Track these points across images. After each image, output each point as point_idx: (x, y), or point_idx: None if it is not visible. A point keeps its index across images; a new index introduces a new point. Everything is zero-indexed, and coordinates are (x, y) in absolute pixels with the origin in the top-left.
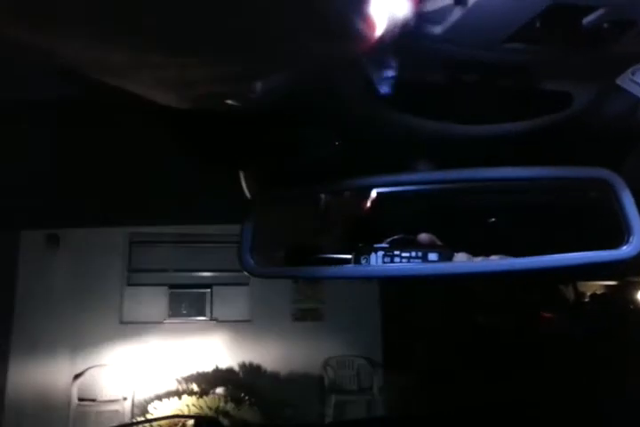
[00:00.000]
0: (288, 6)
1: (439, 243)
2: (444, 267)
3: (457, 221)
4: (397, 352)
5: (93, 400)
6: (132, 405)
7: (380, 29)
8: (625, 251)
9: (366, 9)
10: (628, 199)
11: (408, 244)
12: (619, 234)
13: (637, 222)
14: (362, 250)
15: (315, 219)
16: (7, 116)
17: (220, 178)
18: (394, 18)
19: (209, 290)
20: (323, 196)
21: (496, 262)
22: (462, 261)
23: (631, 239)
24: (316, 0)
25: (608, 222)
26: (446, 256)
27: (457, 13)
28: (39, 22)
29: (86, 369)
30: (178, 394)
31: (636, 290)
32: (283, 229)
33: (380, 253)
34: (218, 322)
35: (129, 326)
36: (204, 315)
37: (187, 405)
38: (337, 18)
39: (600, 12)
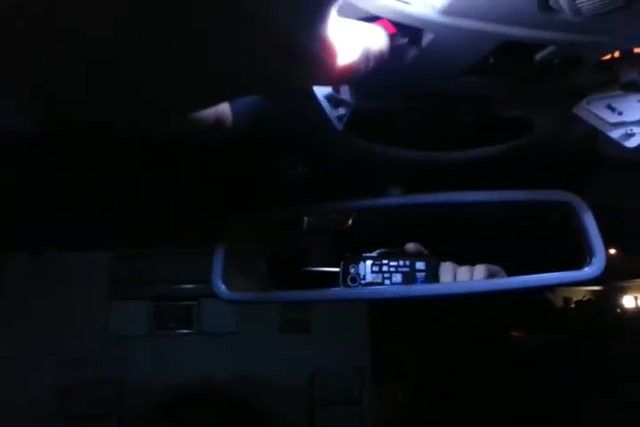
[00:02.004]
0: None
1: (426, 252)
2: (427, 288)
3: (442, 232)
4: (386, 363)
5: (79, 416)
6: (120, 421)
7: (344, 58)
8: (588, 272)
9: (324, 33)
10: (590, 221)
11: (396, 253)
12: (582, 255)
13: (599, 244)
14: (350, 259)
15: (296, 236)
16: None
17: (199, 201)
18: (365, 47)
19: (196, 302)
20: (301, 216)
21: (469, 284)
22: (443, 283)
23: (594, 261)
24: (264, 21)
25: (572, 244)
26: (433, 265)
27: (413, 52)
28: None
29: (72, 384)
30: (165, 408)
31: (622, 295)
32: (262, 248)
33: (369, 263)
34: (205, 334)
35: (115, 340)
36: (192, 327)
37: (174, 420)
38: (290, 42)
39: (549, 49)
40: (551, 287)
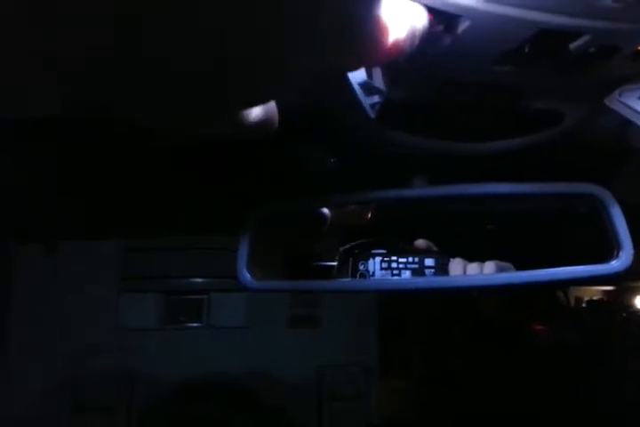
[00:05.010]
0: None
1: (435, 249)
2: (441, 281)
3: (453, 227)
4: (394, 359)
5: (87, 408)
6: (130, 413)
7: (394, 35)
8: (614, 266)
9: (377, 11)
10: (617, 214)
11: (405, 250)
12: (608, 249)
13: (626, 237)
14: (359, 256)
15: (315, 229)
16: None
17: (218, 193)
18: (411, 25)
19: (206, 296)
20: (322, 208)
21: (487, 277)
22: (457, 275)
23: (620, 254)
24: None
25: (598, 237)
26: (442, 262)
27: (447, 39)
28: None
29: (81, 377)
30: (174, 402)
31: (634, 295)
32: (280, 241)
33: (378, 259)
34: (215, 328)
35: (125, 333)
36: (201, 321)
37: (182, 414)
38: (347, 20)
39: (585, 38)
40: (577, 282)
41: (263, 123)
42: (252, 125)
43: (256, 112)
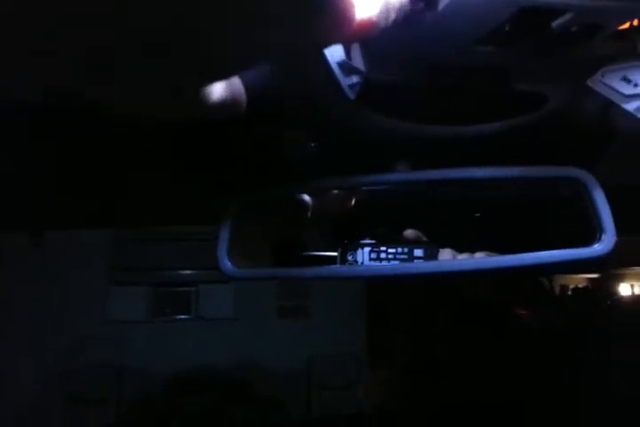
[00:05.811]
0: None
1: (424, 239)
2: (428, 266)
3: (440, 216)
4: (382, 349)
5: (78, 400)
6: (118, 405)
7: (364, 10)
8: (597, 249)
9: None
10: (600, 198)
11: (394, 240)
12: (591, 232)
13: (609, 221)
14: (348, 246)
15: (297, 217)
16: None
17: (200, 180)
18: (386, 1)
19: (194, 288)
20: (305, 195)
21: (472, 261)
22: (444, 260)
23: (603, 237)
24: None
25: (581, 221)
26: (431, 252)
27: (428, 18)
28: None
29: (70, 368)
30: (163, 394)
31: (618, 283)
32: (264, 229)
33: (367, 250)
34: (204, 320)
35: (113, 325)
36: (190, 313)
37: (176, 405)
38: None
39: (568, 16)
40: (561, 266)
41: (229, 103)
42: (218, 105)
43: (220, 92)
